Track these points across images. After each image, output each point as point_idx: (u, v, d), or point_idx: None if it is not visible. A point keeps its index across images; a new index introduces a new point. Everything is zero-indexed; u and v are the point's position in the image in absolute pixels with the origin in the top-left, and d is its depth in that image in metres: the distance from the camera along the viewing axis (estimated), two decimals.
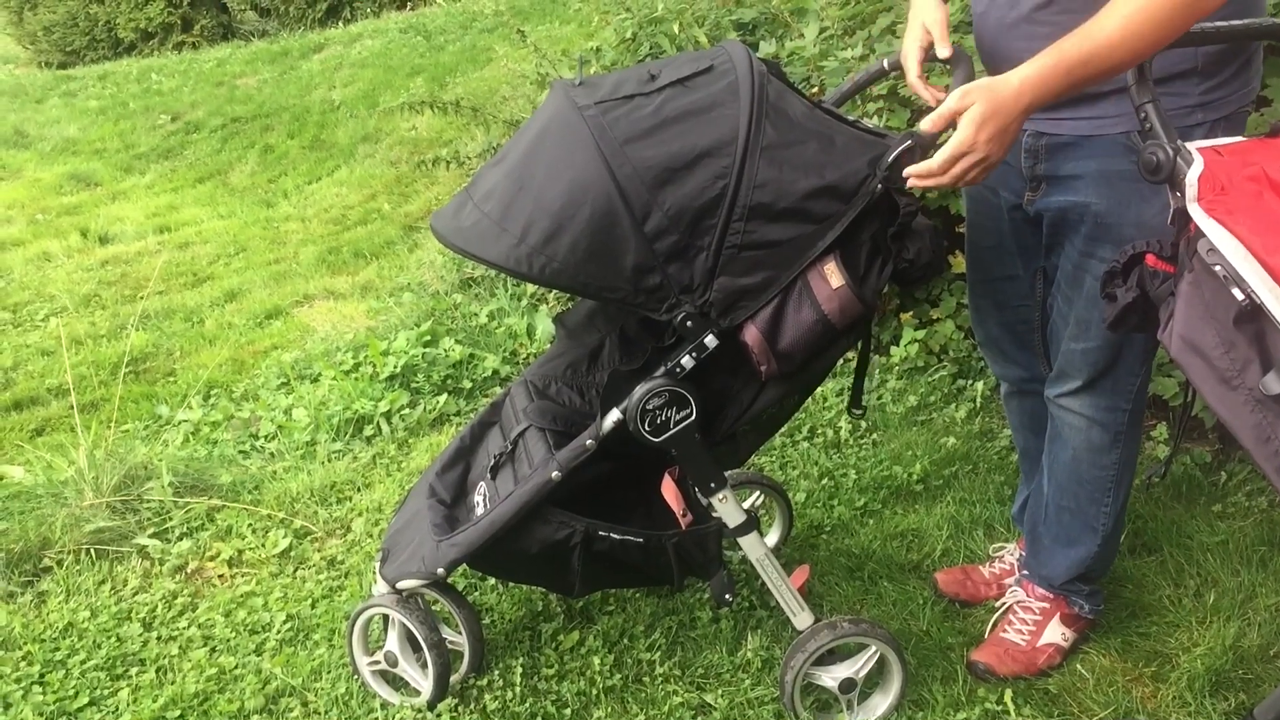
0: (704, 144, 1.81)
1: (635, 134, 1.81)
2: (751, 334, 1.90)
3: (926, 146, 1.87)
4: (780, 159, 1.82)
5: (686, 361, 1.93)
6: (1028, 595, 2.40)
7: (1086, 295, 2.02)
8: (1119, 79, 1.76)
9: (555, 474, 2.03)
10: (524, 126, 2.00)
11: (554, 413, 2.30)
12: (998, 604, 2.48)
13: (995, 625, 2.43)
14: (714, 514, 2.16)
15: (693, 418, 1.98)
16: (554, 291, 4.45)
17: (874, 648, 2.19)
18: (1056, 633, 2.36)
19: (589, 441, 2.02)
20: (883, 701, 2.23)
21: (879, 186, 1.85)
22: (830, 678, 2.19)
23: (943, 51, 1.98)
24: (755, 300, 1.88)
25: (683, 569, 2.18)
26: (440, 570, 2.15)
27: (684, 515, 2.15)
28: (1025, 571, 2.44)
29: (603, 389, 2.08)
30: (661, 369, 1.96)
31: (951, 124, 1.75)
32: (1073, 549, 2.30)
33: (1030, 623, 2.37)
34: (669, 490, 2.15)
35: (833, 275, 1.86)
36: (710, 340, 1.91)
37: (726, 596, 2.21)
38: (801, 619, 2.20)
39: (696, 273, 1.86)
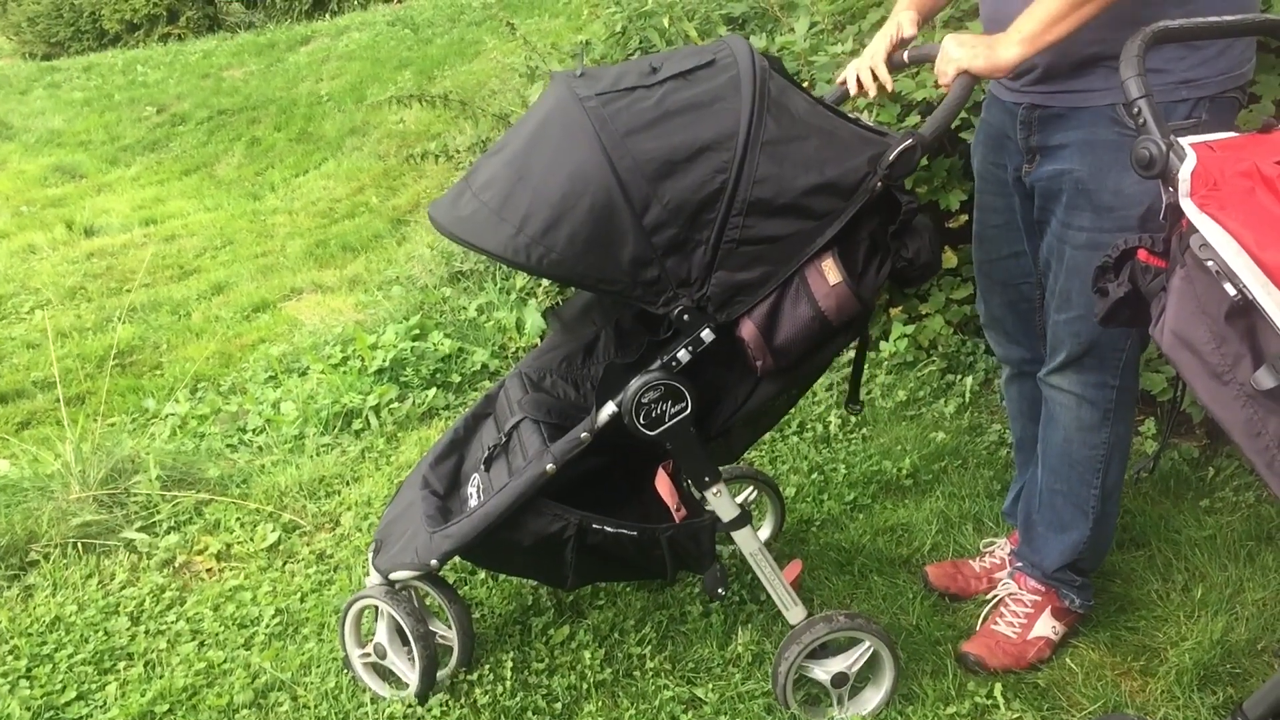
0: (705, 138, 1.82)
1: (636, 126, 1.82)
2: (748, 329, 1.90)
3: (928, 146, 1.89)
4: (781, 154, 1.83)
5: (683, 355, 1.94)
6: (1020, 588, 2.41)
7: (1067, 266, 2.06)
8: (1106, 49, 1.83)
9: (550, 466, 2.03)
10: (524, 116, 2.00)
11: (549, 405, 2.30)
12: (989, 596, 2.49)
13: (986, 617, 2.44)
14: (707, 508, 2.16)
15: (688, 411, 1.98)
16: (543, 284, 4.44)
17: (868, 643, 2.20)
18: (1047, 626, 2.37)
19: (584, 434, 2.02)
20: (874, 696, 2.24)
21: (879, 184, 1.86)
22: (823, 671, 2.20)
23: (909, 30, 2.14)
24: (752, 295, 1.89)
25: (676, 563, 2.18)
26: (434, 562, 2.14)
27: (678, 509, 2.15)
28: (1019, 563, 2.45)
29: (598, 382, 2.08)
30: (657, 362, 1.96)
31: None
32: (1065, 534, 2.32)
33: (1021, 615, 2.37)
34: (663, 484, 2.15)
35: (830, 272, 1.87)
36: (707, 334, 1.92)
37: (719, 590, 2.21)
38: (794, 613, 2.20)
39: (694, 266, 1.86)
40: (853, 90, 2.19)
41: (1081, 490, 2.27)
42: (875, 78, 2.14)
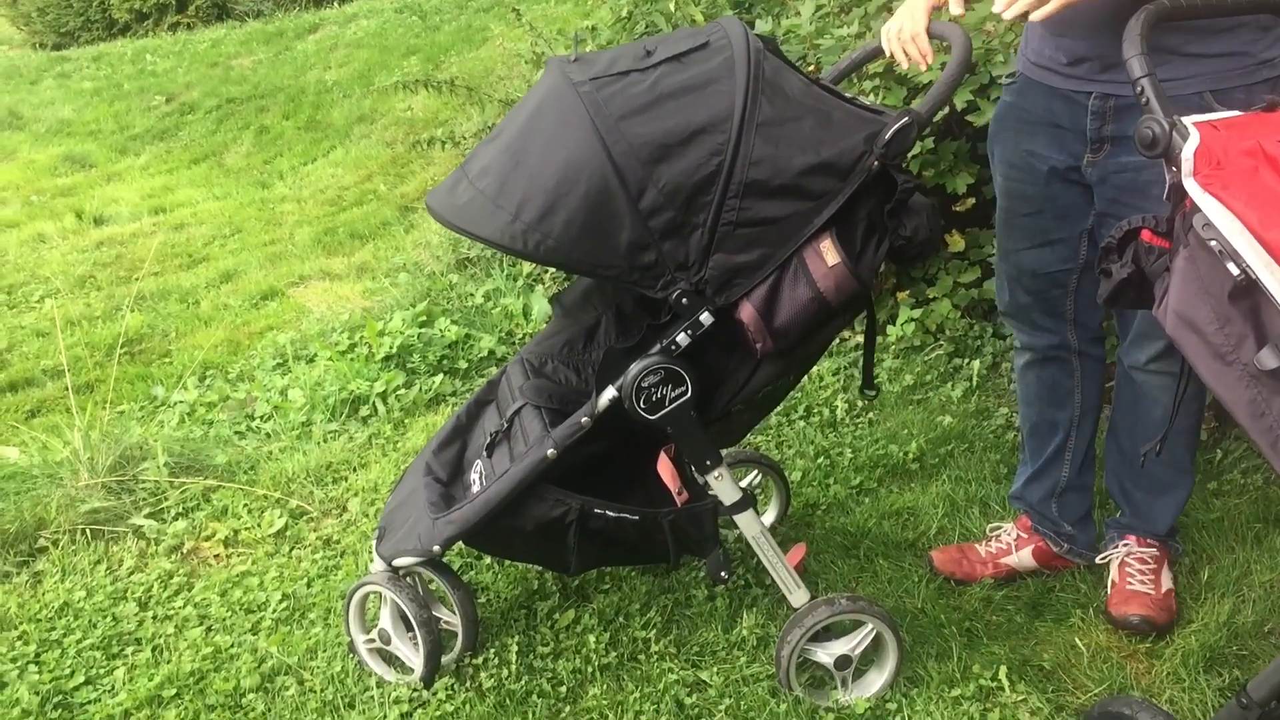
0: (700, 120, 1.81)
1: (630, 110, 1.81)
2: (747, 311, 1.90)
3: (924, 124, 1.87)
4: (776, 135, 1.82)
5: (682, 339, 1.94)
6: (1137, 545, 2.44)
7: None
8: (1185, 45, 1.84)
9: (551, 451, 2.03)
10: (520, 103, 2.00)
11: (550, 390, 2.30)
12: (1100, 559, 2.49)
13: (1115, 582, 2.43)
14: (710, 492, 2.16)
15: (688, 395, 1.98)
16: (550, 271, 4.44)
17: (870, 625, 2.19)
18: (1169, 578, 2.42)
19: (584, 419, 2.02)
20: (877, 679, 2.24)
21: (875, 164, 1.85)
22: (826, 654, 2.20)
23: (956, 9, 2.02)
24: (751, 278, 1.88)
25: (679, 547, 2.18)
26: (436, 548, 2.15)
27: (680, 493, 2.15)
28: (1128, 528, 2.47)
29: (598, 366, 2.08)
30: (657, 346, 1.96)
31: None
32: (1170, 495, 2.40)
33: (1148, 571, 2.40)
34: (664, 468, 2.15)
35: (828, 253, 1.86)
36: (706, 317, 1.91)
37: (723, 574, 2.21)
38: (797, 596, 2.20)
39: (692, 250, 1.86)
40: (892, 53, 2.12)
41: (1184, 455, 2.36)
42: (918, 48, 2.08)
